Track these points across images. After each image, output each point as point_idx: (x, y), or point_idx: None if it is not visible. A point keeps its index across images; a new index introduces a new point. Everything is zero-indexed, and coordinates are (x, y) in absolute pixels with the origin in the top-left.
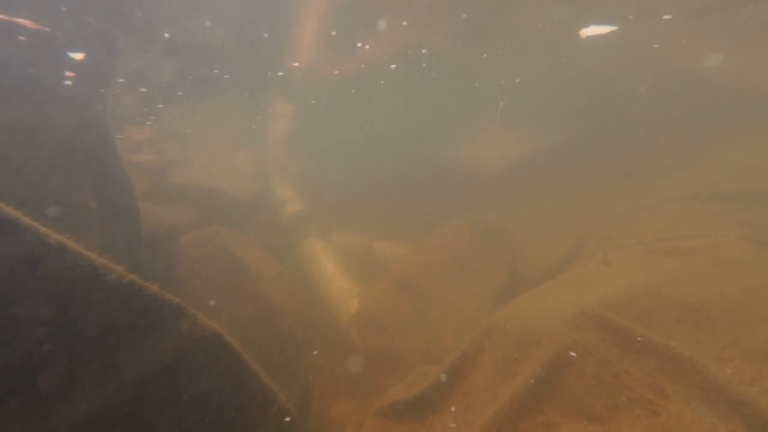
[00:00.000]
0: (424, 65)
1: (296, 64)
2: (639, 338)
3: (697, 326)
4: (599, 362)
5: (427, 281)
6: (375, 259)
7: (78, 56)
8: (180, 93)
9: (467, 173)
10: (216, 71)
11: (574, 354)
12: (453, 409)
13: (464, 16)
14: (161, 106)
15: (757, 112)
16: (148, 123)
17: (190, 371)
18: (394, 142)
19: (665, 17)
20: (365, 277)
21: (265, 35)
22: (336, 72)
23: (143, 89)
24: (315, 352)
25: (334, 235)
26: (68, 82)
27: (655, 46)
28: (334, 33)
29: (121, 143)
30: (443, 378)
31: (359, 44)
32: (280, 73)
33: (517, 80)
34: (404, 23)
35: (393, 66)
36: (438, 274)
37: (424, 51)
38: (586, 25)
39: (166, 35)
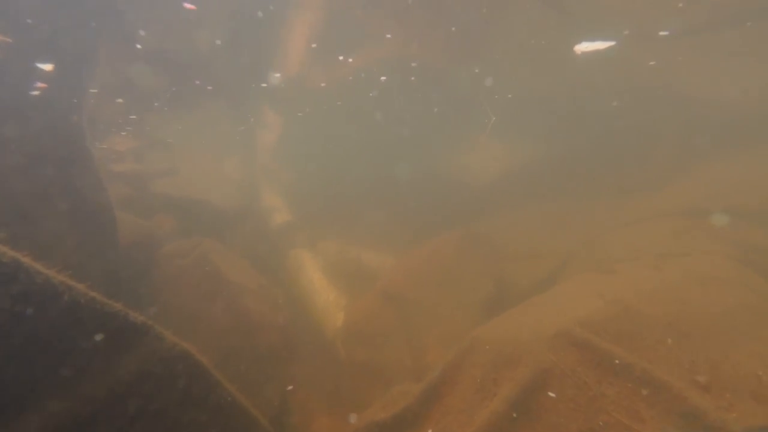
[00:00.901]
0: (412, 78)
1: (278, 75)
2: (617, 361)
3: (677, 348)
4: (577, 385)
5: (413, 293)
6: (363, 270)
7: (47, 67)
8: (165, 102)
9: (456, 184)
10: (199, 81)
11: (551, 376)
12: (430, 431)
13: (453, 29)
14: (139, 115)
15: (745, 129)
16: (124, 132)
17: (155, 392)
18: (383, 154)
19: (662, 33)
20: (352, 289)
21: (253, 42)
22: (323, 84)
23: (122, 99)
24: (296, 367)
25: (322, 245)
26: (35, 92)
27: (651, 63)
28: (314, 46)
29: (103, 153)
30: (421, 398)
31: (341, 57)
32: (264, 85)
33: (510, 96)
34: (389, 36)
35: (383, 78)
36: (424, 286)
37: (413, 64)
38: (579, 42)
39: (146, 44)
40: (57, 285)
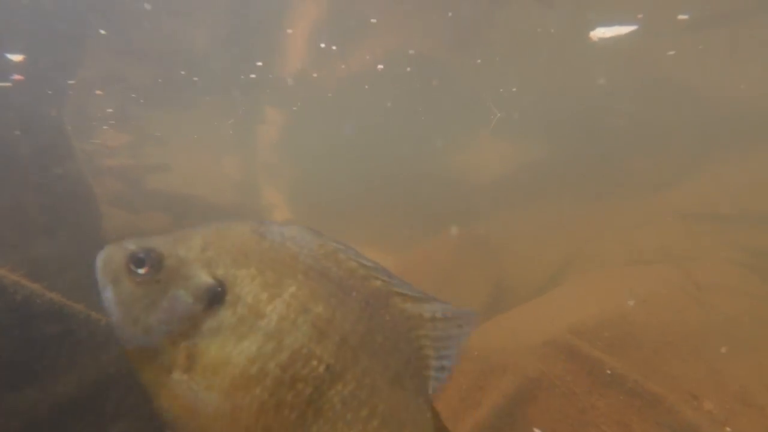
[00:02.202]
0: (408, 69)
1: (277, 69)
2: (608, 371)
3: (673, 358)
4: (565, 395)
5: None
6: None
7: (17, 58)
8: (159, 96)
9: (457, 182)
10: (196, 77)
11: (539, 386)
12: None
13: (450, 14)
14: (131, 110)
15: (757, 129)
16: (106, 126)
17: (118, 396)
18: (384, 150)
19: (681, 17)
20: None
21: (249, 41)
22: (319, 76)
23: (108, 93)
24: None
25: None
26: (5, 84)
27: (671, 53)
28: (322, 45)
29: (95, 147)
30: None
31: (334, 47)
32: (252, 76)
33: (514, 89)
34: (390, 29)
35: (380, 66)
36: (422, 285)
37: (411, 51)
38: (593, 27)
39: (139, 37)
40: (8, 285)
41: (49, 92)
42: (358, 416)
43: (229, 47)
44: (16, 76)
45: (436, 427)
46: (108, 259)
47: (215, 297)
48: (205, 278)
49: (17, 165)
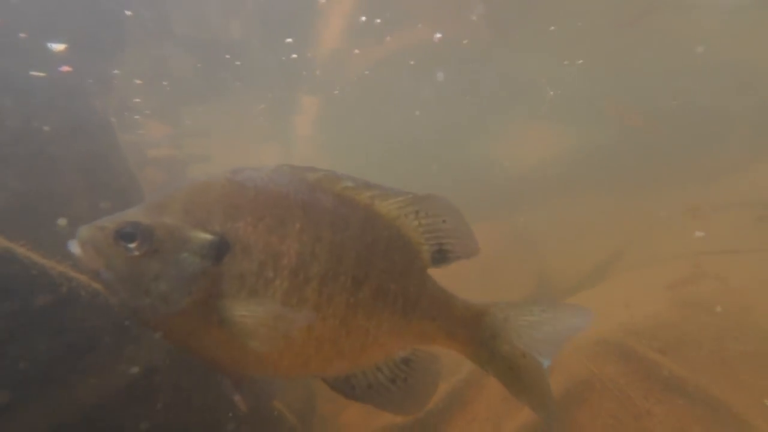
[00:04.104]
0: (465, 41)
1: (312, 56)
2: (666, 373)
3: (741, 362)
4: (619, 400)
5: (448, 283)
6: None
7: (59, 47)
8: (201, 87)
9: (498, 172)
10: (238, 62)
11: (589, 388)
12: None
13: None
14: (174, 101)
15: None
16: (138, 116)
17: (162, 387)
18: (421, 138)
19: None
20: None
21: (289, 39)
22: (359, 66)
23: (149, 83)
24: None
25: None
26: (38, 73)
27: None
28: (363, 18)
29: (140, 139)
30: (445, 402)
31: (378, 20)
32: (294, 56)
33: (575, 62)
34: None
35: (438, 35)
36: (461, 277)
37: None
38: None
39: (180, 27)
40: (55, 276)
41: (93, 83)
42: (385, 302)
43: (261, 26)
44: (64, 68)
45: (438, 289)
46: (89, 241)
47: (221, 250)
48: (203, 235)
49: (64, 159)
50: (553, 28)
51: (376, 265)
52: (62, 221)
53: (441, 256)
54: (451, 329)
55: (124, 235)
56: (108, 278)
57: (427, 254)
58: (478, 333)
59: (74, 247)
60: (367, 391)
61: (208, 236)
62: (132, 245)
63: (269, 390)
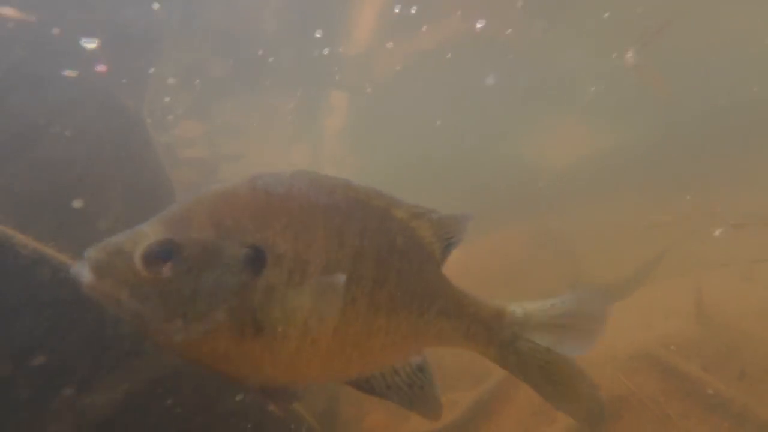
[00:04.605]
0: (509, 31)
1: (343, 50)
2: (710, 392)
3: None
4: (657, 418)
5: (475, 288)
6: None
7: (90, 45)
8: (233, 86)
9: (529, 171)
10: (271, 58)
11: (625, 405)
12: None
13: None
14: (206, 100)
15: None
16: (171, 116)
17: (186, 388)
18: (451, 136)
19: None
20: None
21: (317, 34)
22: (391, 62)
23: (195, 83)
24: None
25: None
26: (69, 73)
27: None
28: (397, 10)
29: (173, 139)
30: (469, 414)
31: (414, 9)
32: (326, 51)
33: (614, 55)
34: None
35: (479, 24)
36: (489, 281)
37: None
38: None
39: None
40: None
41: (128, 82)
42: (403, 302)
43: (292, 20)
44: (100, 67)
45: (453, 289)
46: (105, 267)
47: (258, 262)
48: (238, 249)
49: (98, 159)
50: (607, 14)
51: (393, 265)
52: (102, 223)
53: (447, 253)
54: (468, 329)
55: (154, 256)
56: (132, 307)
57: (439, 253)
58: (498, 333)
59: (84, 274)
60: (387, 391)
61: (243, 249)
62: (163, 267)
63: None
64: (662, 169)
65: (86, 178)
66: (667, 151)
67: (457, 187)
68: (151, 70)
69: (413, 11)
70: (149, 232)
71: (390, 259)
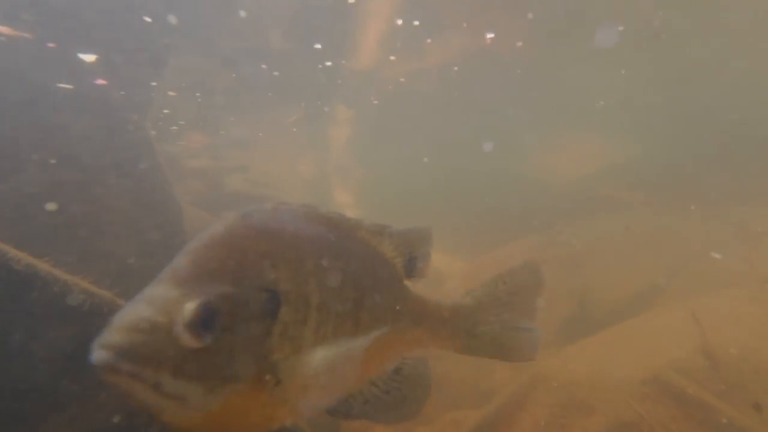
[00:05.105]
0: (519, 44)
1: (346, 63)
2: (724, 420)
3: None
4: None
5: None
6: (431, 273)
7: (89, 58)
8: (239, 99)
9: (537, 186)
10: (276, 72)
11: (636, 431)
12: None
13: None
14: (212, 113)
15: None
16: (175, 127)
17: None
18: (458, 151)
19: None
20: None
21: (318, 46)
22: (398, 76)
23: (199, 97)
24: None
25: None
26: (67, 86)
27: None
28: (399, 21)
29: (180, 150)
30: None
31: (416, 22)
32: (328, 63)
33: (623, 71)
34: (465, 25)
35: (490, 36)
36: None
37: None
38: None
39: (220, 42)
40: (70, 283)
41: (129, 95)
42: (379, 317)
43: (296, 33)
44: (99, 81)
45: (417, 297)
46: (143, 348)
47: (276, 304)
48: (258, 295)
49: (100, 172)
50: (621, 28)
51: (367, 284)
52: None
53: (411, 266)
54: (435, 329)
55: (200, 324)
56: (175, 389)
57: (401, 267)
58: (458, 325)
59: (112, 361)
60: (364, 407)
61: (263, 294)
62: (207, 334)
63: None
64: (671, 184)
65: (86, 195)
66: (676, 167)
67: (464, 201)
68: (154, 83)
69: (416, 23)
70: (174, 297)
71: (364, 278)
